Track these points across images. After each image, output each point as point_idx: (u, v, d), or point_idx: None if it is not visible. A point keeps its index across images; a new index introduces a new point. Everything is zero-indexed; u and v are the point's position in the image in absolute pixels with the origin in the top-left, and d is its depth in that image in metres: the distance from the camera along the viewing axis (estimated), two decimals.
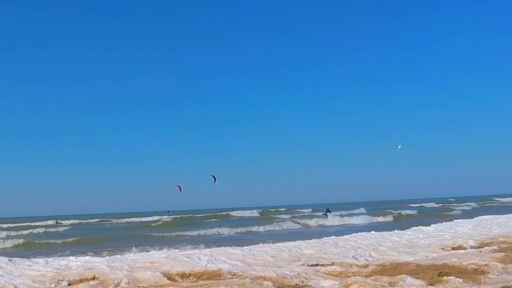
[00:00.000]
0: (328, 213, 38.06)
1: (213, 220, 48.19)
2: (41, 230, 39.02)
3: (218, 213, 62.16)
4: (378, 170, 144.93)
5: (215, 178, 24.83)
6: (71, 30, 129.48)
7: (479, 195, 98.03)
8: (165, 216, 57.15)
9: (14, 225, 48.23)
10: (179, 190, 29.77)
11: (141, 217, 59.66)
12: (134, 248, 17.32)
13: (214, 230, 28.51)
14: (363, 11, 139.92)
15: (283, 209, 70.76)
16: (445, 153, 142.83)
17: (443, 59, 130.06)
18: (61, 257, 10.83)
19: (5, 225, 47.40)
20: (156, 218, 53.61)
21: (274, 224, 32.80)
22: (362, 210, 57.23)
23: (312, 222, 33.84)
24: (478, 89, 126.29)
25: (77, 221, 58.67)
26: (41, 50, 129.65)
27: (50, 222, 54.91)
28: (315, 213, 54.31)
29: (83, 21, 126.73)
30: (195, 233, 27.88)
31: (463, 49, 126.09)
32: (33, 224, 48.61)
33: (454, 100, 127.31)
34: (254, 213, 62.28)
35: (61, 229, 42.22)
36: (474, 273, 7.67)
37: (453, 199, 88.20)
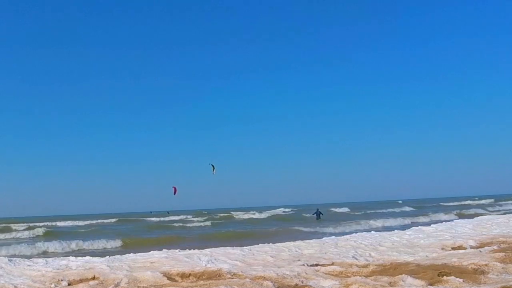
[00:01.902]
0: (319, 215, 38.10)
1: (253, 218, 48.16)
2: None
3: (229, 213, 60.28)
4: (379, 170, 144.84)
5: (213, 167, 24.76)
6: (70, 29, 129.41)
7: (489, 194, 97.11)
8: (190, 216, 55.61)
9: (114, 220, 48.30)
10: (173, 192, 29.22)
11: (153, 217, 58.50)
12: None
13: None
14: (363, 11, 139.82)
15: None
16: (444, 153, 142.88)
17: (443, 59, 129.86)
18: (61, 257, 10.83)
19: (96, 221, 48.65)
20: (201, 217, 51.60)
21: (380, 220, 32.43)
22: (406, 208, 58.31)
23: (396, 222, 32.73)
24: (480, 89, 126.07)
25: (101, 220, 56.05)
26: (40, 50, 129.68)
27: (92, 221, 52.93)
28: (354, 212, 54.51)
29: (82, 21, 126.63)
30: (307, 229, 27.22)
31: (463, 49, 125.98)
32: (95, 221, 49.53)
33: (453, 101, 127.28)
34: (289, 212, 61.41)
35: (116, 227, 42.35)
36: (474, 273, 7.67)
37: (477, 198, 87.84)
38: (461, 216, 33.98)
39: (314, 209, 41.49)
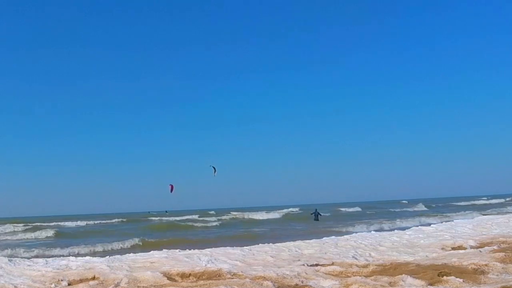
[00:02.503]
0: (318, 216, 38.08)
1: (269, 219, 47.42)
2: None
3: (234, 213, 58.24)
4: (381, 170, 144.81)
5: (215, 169, 24.84)
6: (70, 29, 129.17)
7: (496, 194, 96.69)
8: (195, 216, 54.85)
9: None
10: (170, 190, 28.95)
11: (154, 216, 57.74)
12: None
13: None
14: (363, 11, 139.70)
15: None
16: (446, 153, 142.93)
17: (443, 59, 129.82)
18: (61, 257, 10.84)
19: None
20: (209, 217, 50.13)
21: (410, 219, 31.90)
22: (421, 206, 58.28)
23: (435, 220, 30.81)
24: (480, 89, 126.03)
25: (106, 220, 53.85)
26: (40, 50, 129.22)
27: (93, 221, 51.21)
28: (365, 211, 54.22)
29: (82, 21, 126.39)
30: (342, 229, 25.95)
31: (463, 49, 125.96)
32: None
33: (453, 101, 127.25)
34: (297, 211, 60.98)
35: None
36: (474, 273, 7.67)
37: (485, 197, 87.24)
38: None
39: (317, 209, 41.39)
